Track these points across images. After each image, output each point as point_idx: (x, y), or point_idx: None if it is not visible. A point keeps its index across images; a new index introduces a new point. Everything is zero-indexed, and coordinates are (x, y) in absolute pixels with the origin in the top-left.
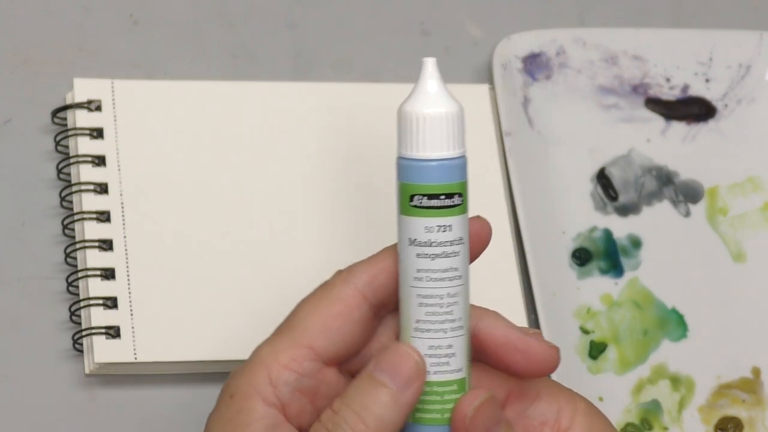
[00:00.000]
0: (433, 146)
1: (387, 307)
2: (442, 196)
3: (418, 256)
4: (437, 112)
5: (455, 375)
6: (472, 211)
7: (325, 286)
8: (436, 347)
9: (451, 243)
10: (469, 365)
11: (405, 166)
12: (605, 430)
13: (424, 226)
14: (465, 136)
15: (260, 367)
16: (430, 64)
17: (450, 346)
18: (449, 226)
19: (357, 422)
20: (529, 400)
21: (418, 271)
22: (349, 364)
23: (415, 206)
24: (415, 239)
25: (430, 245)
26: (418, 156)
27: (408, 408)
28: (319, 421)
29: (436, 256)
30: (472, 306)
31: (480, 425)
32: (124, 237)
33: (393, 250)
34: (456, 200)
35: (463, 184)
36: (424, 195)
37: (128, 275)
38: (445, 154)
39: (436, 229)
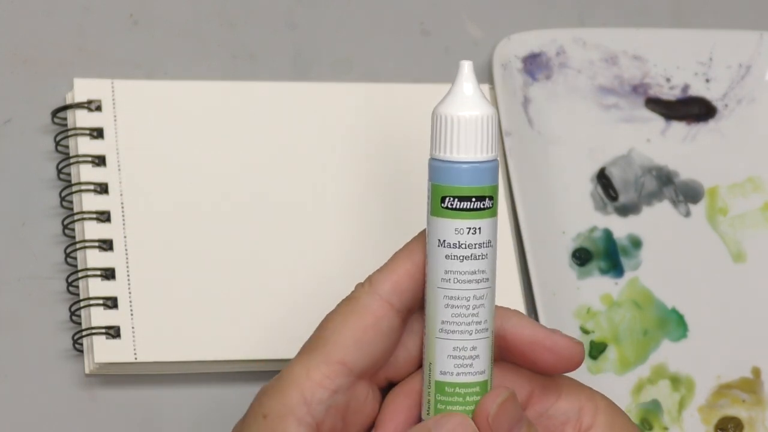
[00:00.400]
0: (466, 149)
1: (413, 310)
2: (474, 199)
3: (447, 257)
4: (472, 115)
5: (478, 377)
6: None
7: (349, 300)
8: (461, 349)
9: (480, 246)
10: (491, 368)
11: (437, 167)
12: (626, 426)
13: (454, 227)
14: (497, 141)
15: (293, 387)
16: (466, 67)
17: (474, 348)
18: (479, 228)
19: None
20: (551, 400)
21: (446, 272)
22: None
23: (446, 208)
24: (445, 240)
25: (459, 247)
26: (451, 158)
27: None
28: None
29: (465, 258)
30: (495, 307)
31: (502, 422)
32: (124, 237)
33: (408, 253)
34: (487, 203)
35: (495, 188)
36: (455, 197)
37: (128, 275)
38: (478, 157)
39: (466, 231)
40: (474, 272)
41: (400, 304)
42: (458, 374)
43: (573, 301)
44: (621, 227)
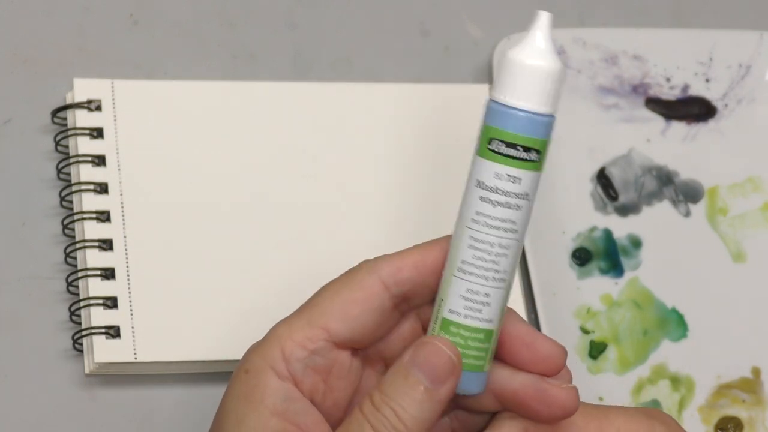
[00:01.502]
0: (526, 96)
1: (409, 301)
2: (520, 148)
3: (481, 199)
4: (539, 64)
5: (485, 324)
6: None
7: (349, 273)
8: (474, 292)
9: (516, 196)
10: (500, 321)
11: (493, 109)
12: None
13: (494, 171)
14: (559, 99)
15: (275, 343)
16: (544, 18)
17: (488, 295)
18: (519, 178)
19: (397, 422)
20: None
21: (477, 213)
22: (366, 352)
23: (492, 150)
24: (483, 182)
25: (496, 191)
26: (508, 102)
27: (443, 404)
28: (362, 413)
29: (498, 204)
30: None
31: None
32: (124, 237)
33: (423, 248)
34: (533, 155)
35: (545, 143)
36: (502, 141)
37: (128, 275)
38: (535, 108)
39: (506, 178)
40: (504, 220)
41: (396, 290)
42: (466, 316)
43: (573, 301)
44: (621, 227)
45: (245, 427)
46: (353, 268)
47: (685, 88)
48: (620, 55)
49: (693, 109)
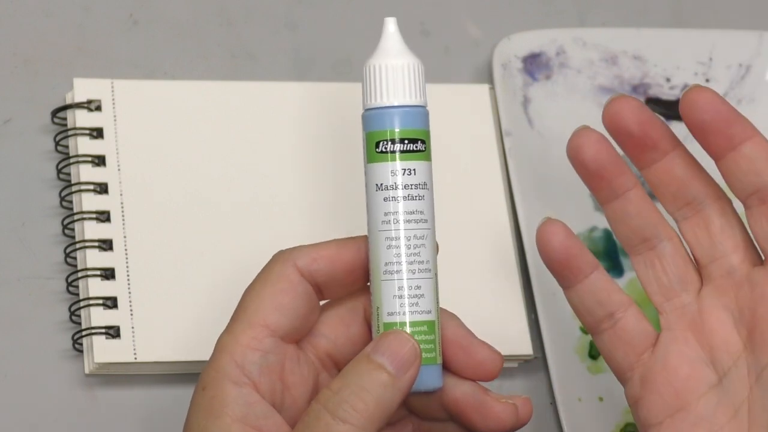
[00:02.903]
0: (396, 94)
1: (323, 293)
2: (406, 141)
3: (385, 200)
4: (398, 63)
5: (425, 316)
6: (473, 210)
7: (265, 269)
8: (405, 288)
9: (416, 186)
10: (437, 308)
11: (371, 115)
12: None
13: (390, 170)
14: (425, 90)
15: (224, 354)
16: (390, 23)
17: (419, 287)
18: (414, 169)
19: (357, 402)
20: None
21: (385, 214)
22: (319, 354)
23: (381, 152)
24: (382, 183)
25: (396, 188)
26: (382, 104)
27: (405, 392)
28: (317, 401)
29: (403, 198)
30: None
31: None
32: (124, 237)
33: (338, 243)
34: (419, 146)
35: (426, 132)
36: (389, 140)
37: (128, 275)
38: (407, 102)
39: (401, 172)
40: (412, 212)
41: (311, 279)
42: (405, 314)
43: None
44: None
45: None
46: (268, 262)
47: (685, 88)
48: (620, 55)
49: None
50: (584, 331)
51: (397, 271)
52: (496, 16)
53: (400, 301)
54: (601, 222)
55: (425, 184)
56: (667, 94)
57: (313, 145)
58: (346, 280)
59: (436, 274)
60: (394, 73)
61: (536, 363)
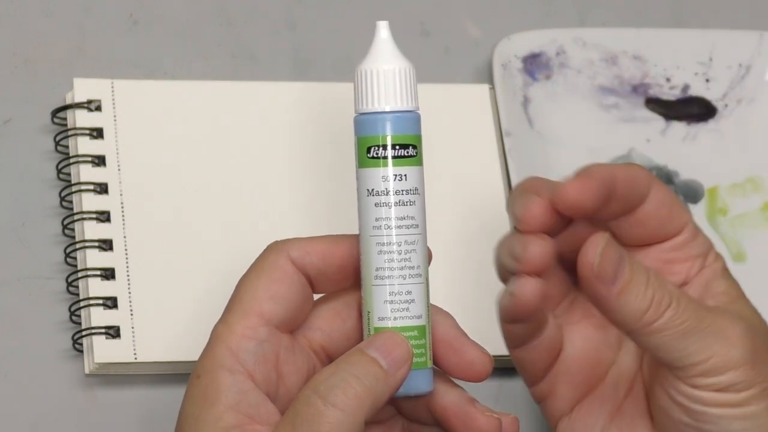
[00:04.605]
0: (387, 99)
1: (314, 287)
2: (397, 147)
3: (376, 205)
4: (391, 68)
5: (415, 321)
6: (473, 210)
7: (258, 260)
8: (396, 293)
9: (407, 192)
10: (428, 314)
11: (362, 120)
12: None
13: (381, 175)
14: (417, 94)
15: (219, 343)
16: (383, 27)
17: (409, 293)
18: (405, 175)
19: (348, 388)
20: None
21: (377, 219)
22: (313, 346)
23: (372, 157)
24: (373, 189)
25: (387, 194)
26: (374, 109)
27: (394, 389)
28: (308, 386)
29: (395, 204)
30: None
31: (607, 269)
32: (124, 237)
33: (330, 239)
34: (411, 151)
35: (417, 138)
36: (380, 146)
37: (128, 275)
38: (400, 107)
39: (393, 178)
40: (403, 218)
41: (303, 271)
42: (395, 318)
43: None
44: None
45: (202, 423)
46: (262, 252)
47: (685, 88)
48: (620, 55)
49: (693, 109)
50: None
51: (388, 276)
52: (496, 16)
53: (391, 306)
54: None
55: (416, 189)
56: (667, 94)
57: (313, 145)
58: (336, 276)
59: (427, 279)
60: (386, 78)
61: None
